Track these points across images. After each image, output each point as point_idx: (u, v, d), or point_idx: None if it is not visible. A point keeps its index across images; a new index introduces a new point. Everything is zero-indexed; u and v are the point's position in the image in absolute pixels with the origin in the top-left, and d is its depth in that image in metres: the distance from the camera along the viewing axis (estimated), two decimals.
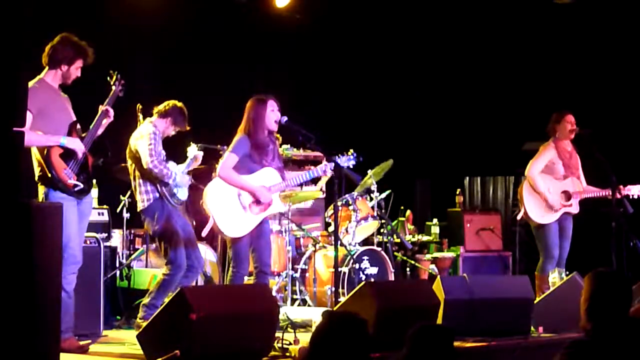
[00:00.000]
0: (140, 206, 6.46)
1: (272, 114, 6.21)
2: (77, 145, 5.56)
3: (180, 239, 6.39)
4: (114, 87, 5.92)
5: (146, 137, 6.35)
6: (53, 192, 5.48)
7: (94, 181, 7.41)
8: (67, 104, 5.75)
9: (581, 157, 7.74)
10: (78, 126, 5.70)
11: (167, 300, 5.64)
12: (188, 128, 6.68)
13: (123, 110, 6.26)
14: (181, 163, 6.74)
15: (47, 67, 5.64)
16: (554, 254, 7.46)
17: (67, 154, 5.54)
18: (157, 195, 6.39)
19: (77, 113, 5.78)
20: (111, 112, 5.81)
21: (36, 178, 5.57)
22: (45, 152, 5.47)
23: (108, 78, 5.96)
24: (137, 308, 6.56)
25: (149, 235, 7.33)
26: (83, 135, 5.70)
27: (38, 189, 5.57)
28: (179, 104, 6.62)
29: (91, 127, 5.73)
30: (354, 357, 3.24)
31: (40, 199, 5.51)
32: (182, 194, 6.54)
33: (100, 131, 5.81)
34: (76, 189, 5.55)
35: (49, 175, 5.46)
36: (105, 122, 5.82)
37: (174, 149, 6.77)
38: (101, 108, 5.79)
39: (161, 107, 6.58)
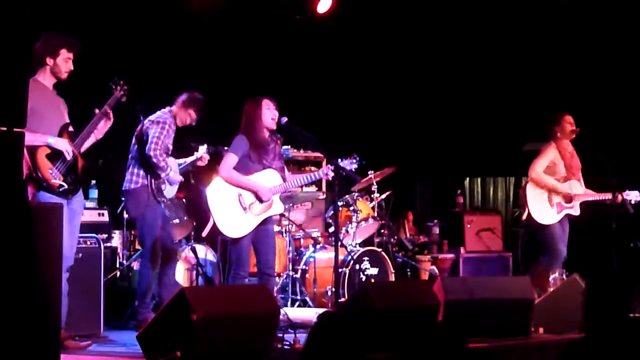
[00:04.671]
0: (125, 185, 6.55)
1: (268, 112, 6.21)
2: (63, 146, 5.47)
3: (157, 229, 6.46)
4: (115, 92, 5.83)
5: (159, 126, 6.44)
6: (39, 192, 5.38)
7: (94, 182, 7.45)
8: (61, 105, 5.67)
9: (583, 159, 7.74)
10: (70, 128, 5.63)
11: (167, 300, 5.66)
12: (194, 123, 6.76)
13: (124, 112, 6.26)
14: (183, 157, 6.83)
15: (37, 68, 5.56)
16: (562, 251, 7.45)
17: (55, 154, 5.45)
18: (146, 182, 6.43)
19: (80, 117, 5.75)
20: (111, 114, 5.73)
21: (23, 177, 5.50)
22: (31, 151, 5.35)
23: (110, 83, 5.87)
24: (136, 310, 6.62)
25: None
26: (76, 137, 5.63)
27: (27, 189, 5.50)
28: (199, 94, 6.73)
29: (86, 128, 5.66)
30: (348, 357, 3.24)
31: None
32: (169, 191, 6.59)
33: (99, 136, 5.76)
34: (61, 189, 5.44)
35: (34, 175, 5.37)
36: (103, 124, 5.74)
37: (182, 141, 6.82)
38: (97, 111, 5.71)
39: (183, 96, 6.68)
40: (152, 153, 6.34)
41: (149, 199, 6.44)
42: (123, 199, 6.71)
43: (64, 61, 5.58)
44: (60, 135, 5.54)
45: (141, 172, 6.47)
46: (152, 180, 6.43)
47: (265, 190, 6.17)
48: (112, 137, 6.23)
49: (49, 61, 5.54)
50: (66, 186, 5.48)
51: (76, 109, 5.85)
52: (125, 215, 7.60)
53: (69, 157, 5.49)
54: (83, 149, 5.71)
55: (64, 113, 5.67)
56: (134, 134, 6.62)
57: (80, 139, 5.64)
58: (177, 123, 6.65)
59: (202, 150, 6.96)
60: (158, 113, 6.61)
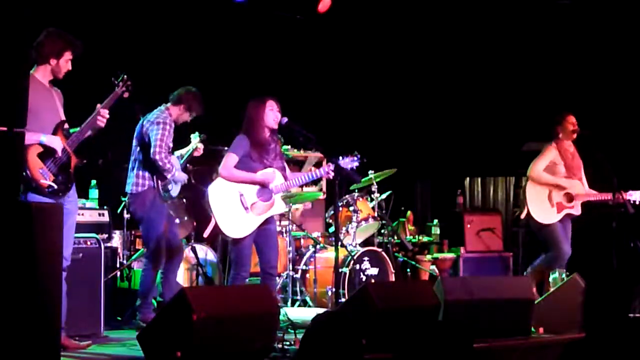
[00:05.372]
0: (132, 189, 6.53)
1: (271, 113, 6.22)
2: (56, 144, 5.41)
3: (162, 231, 6.50)
4: (116, 88, 5.78)
5: (160, 127, 6.43)
6: (28, 193, 5.27)
7: (94, 182, 7.45)
8: (57, 101, 5.62)
9: (583, 159, 7.74)
10: (66, 125, 5.58)
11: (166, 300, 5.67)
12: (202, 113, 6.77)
13: (123, 111, 6.23)
14: (181, 148, 6.84)
15: (36, 64, 5.53)
16: (565, 249, 7.44)
17: (47, 153, 5.40)
18: (152, 184, 6.44)
19: (78, 112, 5.72)
20: (104, 113, 5.61)
21: None
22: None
23: (113, 78, 5.81)
24: (137, 310, 6.62)
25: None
26: (71, 133, 5.58)
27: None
28: (193, 89, 6.69)
29: (82, 126, 5.60)
30: (343, 358, 3.24)
31: None
32: (175, 190, 6.59)
33: (94, 132, 5.68)
34: (49, 189, 5.36)
35: (24, 174, 5.26)
36: (99, 121, 5.62)
37: (176, 134, 6.80)
38: (98, 107, 5.64)
39: (175, 93, 6.67)
40: (157, 157, 6.34)
41: (154, 199, 6.45)
42: (128, 200, 6.68)
43: (66, 62, 5.57)
44: (54, 133, 5.48)
45: (147, 174, 6.48)
46: (159, 182, 6.45)
47: (269, 175, 6.17)
48: (111, 137, 6.22)
49: (52, 62, 5.53)
50: (55, 187, 5.40)
51: (76, 103, 5.80)
52: (127, 215, 7.59)
53: (59, 155, 5.42)
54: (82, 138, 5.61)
55: (59, 109, 5.61)
56: (134, 135, 6.61)
57: (75, 137, 5.57)
58: (174, 120, 6.64)
59: (195, 140, 6.94)
60: (155, 112, 6.59)
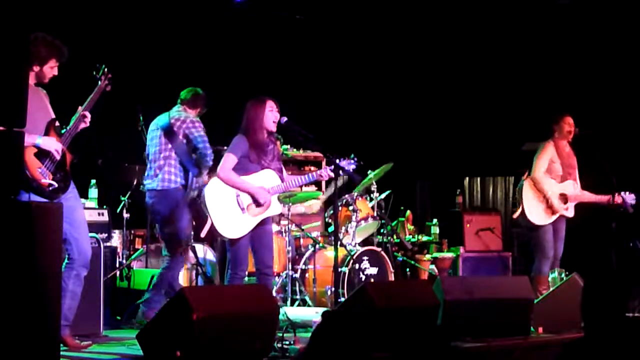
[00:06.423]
0: (160, 185, 6.52)
1: (271, 114, 6.20)
2: (52, 146, 5.37)
3: (185, 232, 6.54)
4: (99, 82, 5.68)
5: (197, 124, 6.57)
6: (29, 194, 5.17)
7: (94, 181, 7.45)
8: (45, 100, 5.59)
9: (582, 159, 7.75)
10: (57, 123, 5.54)
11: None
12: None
13: (122, 110, 6.24)
14: None
15: None
16: (550, 255, 7.49)
17: (43, 153, 5.35)
18: (183, 183, 6.47)
19: (61, 108, 5.68)
20: (88, 115, 5.56)
21: None
22: None
23: (94, 72, 5.71)
24: (137, 308, 6.62)
25: (149, 235, 7.45)
26: (62, 131, 5.52)
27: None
28: (202, 92, 6.80)
29: (71, 123, 5.56)
30: (352, 356, 3.24)
31: None
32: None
33: (81, 126, 5.59)
34: (50, 188, 5.33)
35: (24, 174, 5.19)
36: (86, 119, 5.57)
37: None
38: (79, 109, 5.57)
39: (189, 96, 6.74)
40: (209, 152, 6.46)
41: (182, 198, 6.47)
42: (152, 197, 6.60)
43: (50, 69, 5.51)
44: (47, 132, 5.44)
45: (179, 172, 6.50)
46: (193, 179, 6.47)
47: (262, 192, 6.16)
48: (111, 137, 6.22)
49: (36, 68, 5.46)
50: (56, 185, 5.38)
51: (67, 99, 5.78)
52: (126, 215, 7.59)
53: (58, 157, 5.40)
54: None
55: (48, 107, 5.57)
56: (159, 134, 6.58)
57: (68, 134, 5.53)
58: None
59: None
60: (180, 112, 6.64)
